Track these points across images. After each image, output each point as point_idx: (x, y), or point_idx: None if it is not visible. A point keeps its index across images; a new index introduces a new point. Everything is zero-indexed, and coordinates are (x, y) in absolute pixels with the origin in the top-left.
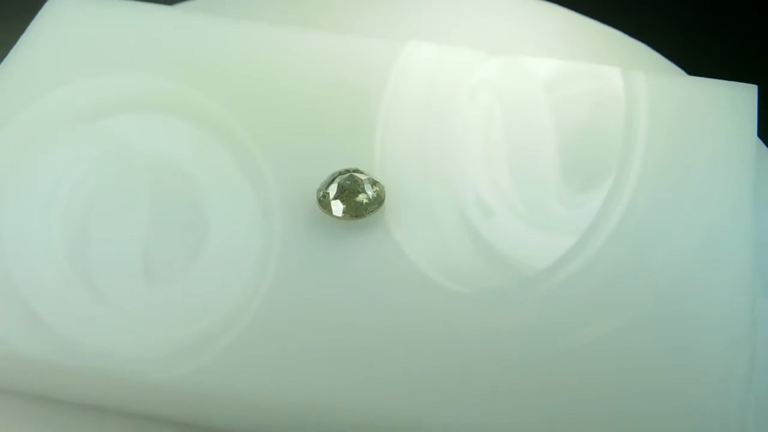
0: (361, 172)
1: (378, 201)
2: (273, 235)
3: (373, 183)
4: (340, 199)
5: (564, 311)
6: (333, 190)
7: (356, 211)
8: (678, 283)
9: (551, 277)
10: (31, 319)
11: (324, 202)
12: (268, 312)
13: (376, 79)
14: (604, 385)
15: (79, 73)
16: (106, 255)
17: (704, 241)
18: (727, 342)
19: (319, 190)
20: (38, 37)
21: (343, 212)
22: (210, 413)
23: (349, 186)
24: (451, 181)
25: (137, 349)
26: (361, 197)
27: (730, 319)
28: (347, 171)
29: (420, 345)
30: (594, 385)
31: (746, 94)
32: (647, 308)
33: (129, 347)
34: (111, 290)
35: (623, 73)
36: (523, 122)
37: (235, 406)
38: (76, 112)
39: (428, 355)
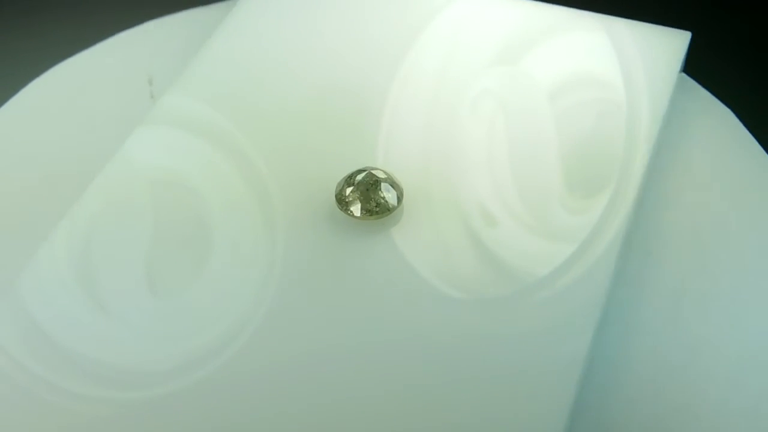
0: (381, 170)
1: (398, 199)
2: (276, 245)
3: (392, 182)
4: (359, 197)
5: (567, 318)
6: (352, 187)
7: (376, 209)
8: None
9: (554, 283)
10: (36, 331)
11: (342, 200)
12: (273, 322)
13: (377, 89)
14: (612, 391)
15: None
16: (111, 268)
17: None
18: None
19: (337, 186)
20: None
21: (362, 210)
22: (216, 425)
23: (368, 184)
24: (454, 189)
25: (142, 362)
26: (382, 195)
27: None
28: (365, 169)
29: (424, 353)
30: (598, 391)
31: None
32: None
33: (134, 360)
34: (116, 304)
35: (626, 77)
36: (526, 131)
37: (243, 417)
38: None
39: (433, 363)
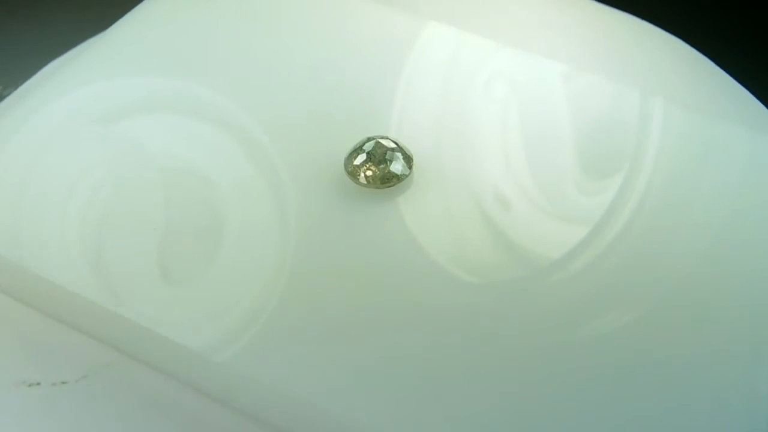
0: (389, 139)
1: (407, 167)
2: (288, 220)
3: (402, 150)
4: (368, 166)
5: (581, 301)
6: (361, 156)
7: (385, 176)
8: (695, 272)
9: (568, 266)
10: (45, 304)
11: (351, 169)
12: (287, 307)
13: (391, 68)
14: (623, 375)
15: (106, 73)
16: (123, 257)
17: (722, 229)
18: (750, 332)
19: (346, 155)
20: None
21: (370, 179)
22: (233, 413)
23: (377, 152)
24: (466, 169)
25: (157, 351)
26: (390, 163)
27: (750, 310)
28: (374, 138)
29: (436, 336)
30: (612, 375)
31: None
32: (667, 297)
33: (149, 349)
34: (129, 293)
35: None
36: (539, 113)
37: (260, 400)
38: (93, 114)
39: (445, 346)
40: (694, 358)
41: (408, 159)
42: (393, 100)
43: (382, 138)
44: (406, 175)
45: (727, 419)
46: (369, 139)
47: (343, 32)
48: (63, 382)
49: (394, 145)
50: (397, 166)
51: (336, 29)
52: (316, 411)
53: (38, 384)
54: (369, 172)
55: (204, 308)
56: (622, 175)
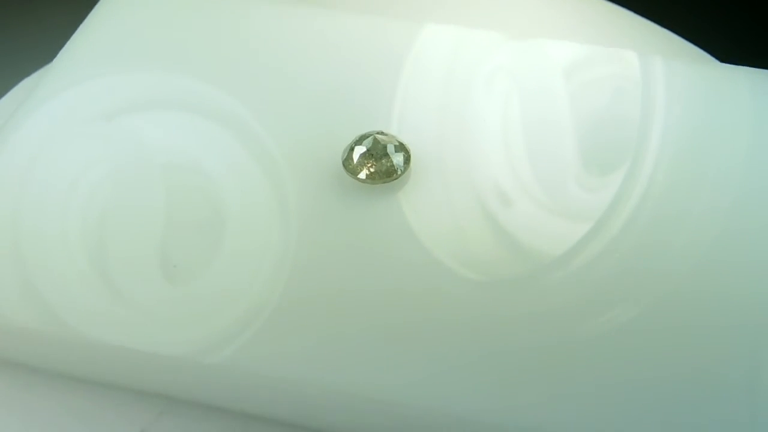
0: (387, 135)
1: (404, 162)
2: (290, 227)
3: (399, 145)
4: (365, 161)
5: (583, 298)
6: (359, 152)
7: (382, 172)
8: (698, 268)
9: (570, 263)
10: (50, 317)
11: (349, 165)
12: (289, 303)
13: (392, 64)
14: (625, 372)
15: (98, 70)
16: (125, 253)
17: (724, 225)
18: (752, 328)
19: (344, 152)
20: (84, 34)
21: (368, 175)
22: (236, 404)
23: (374, 148)
24: (468, 165)
25: (158, 347)
26: (388, 158)
27: (753, 304)
28: (371, 134)
29: (438, 333)
30: (614, 372)
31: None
32: (668, 294)
33: (149, 345)
34: (131, 289)
35: (641, 56)
36: (541, 107)
37: (260, 396)
38: (95, 110)
39: (446, 343)
40: (694, 357)
41: (405, 154)
42: (394, 96)
43: (378, 133)
44: (403, 171)
45: (731, 417)
46: (363, 137)
47: (342, 30)
48: None
49: (390, 139)
50: (398, 160)
51: (335, 27)
52: (325, 405)
53: None
54: (372, 168)
55: (206, 304)
56: (624, 170)
